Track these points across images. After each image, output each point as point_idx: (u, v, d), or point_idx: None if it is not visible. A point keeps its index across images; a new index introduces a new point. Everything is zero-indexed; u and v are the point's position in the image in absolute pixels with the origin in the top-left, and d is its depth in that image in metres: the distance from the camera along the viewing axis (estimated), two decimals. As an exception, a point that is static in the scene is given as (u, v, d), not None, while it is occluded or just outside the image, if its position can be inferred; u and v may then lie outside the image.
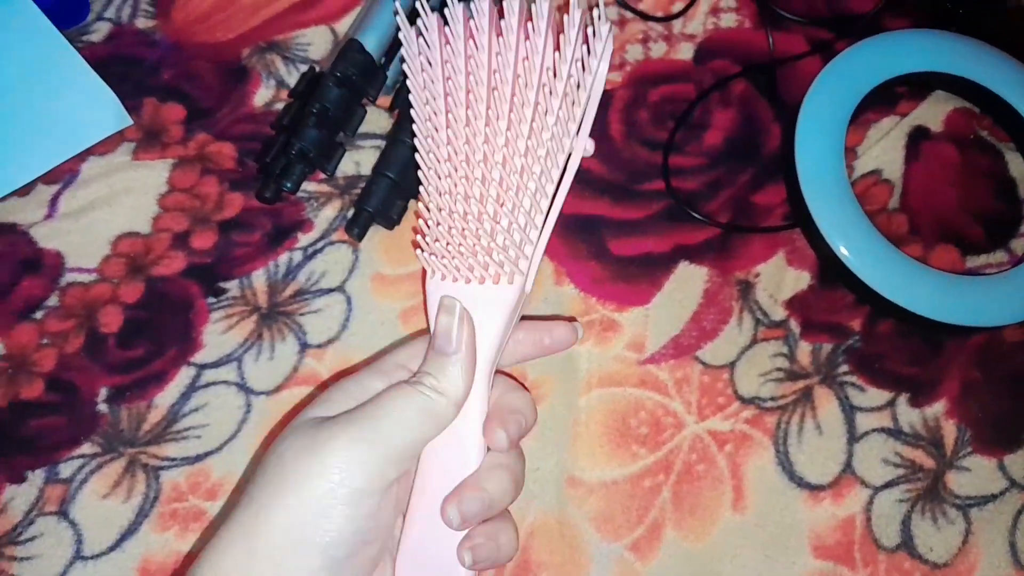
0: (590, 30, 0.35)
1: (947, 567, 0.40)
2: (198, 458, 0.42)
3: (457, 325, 0.33)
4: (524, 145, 0.34)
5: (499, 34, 0.36)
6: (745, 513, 0.41)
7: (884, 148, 0.48)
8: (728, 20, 0.51)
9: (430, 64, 0.37)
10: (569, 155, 0.36)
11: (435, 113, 0.36)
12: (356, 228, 0.44)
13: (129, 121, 0.47)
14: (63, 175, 0.46)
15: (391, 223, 0.45)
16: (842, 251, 0.43)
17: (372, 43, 0.44)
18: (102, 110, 0.47)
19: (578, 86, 0.35)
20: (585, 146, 0.37)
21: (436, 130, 0.36)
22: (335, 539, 0.29)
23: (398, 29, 0.45)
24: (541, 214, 0.35)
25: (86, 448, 0.42)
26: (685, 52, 0.50)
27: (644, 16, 0.50)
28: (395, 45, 0.46)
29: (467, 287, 0.35)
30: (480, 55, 0.36)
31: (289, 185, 0.43)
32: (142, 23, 0.50)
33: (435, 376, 0.32)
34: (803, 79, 0.48)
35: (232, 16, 0.51)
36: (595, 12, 0.35)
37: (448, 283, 0.35)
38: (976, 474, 0.42)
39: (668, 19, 0.50)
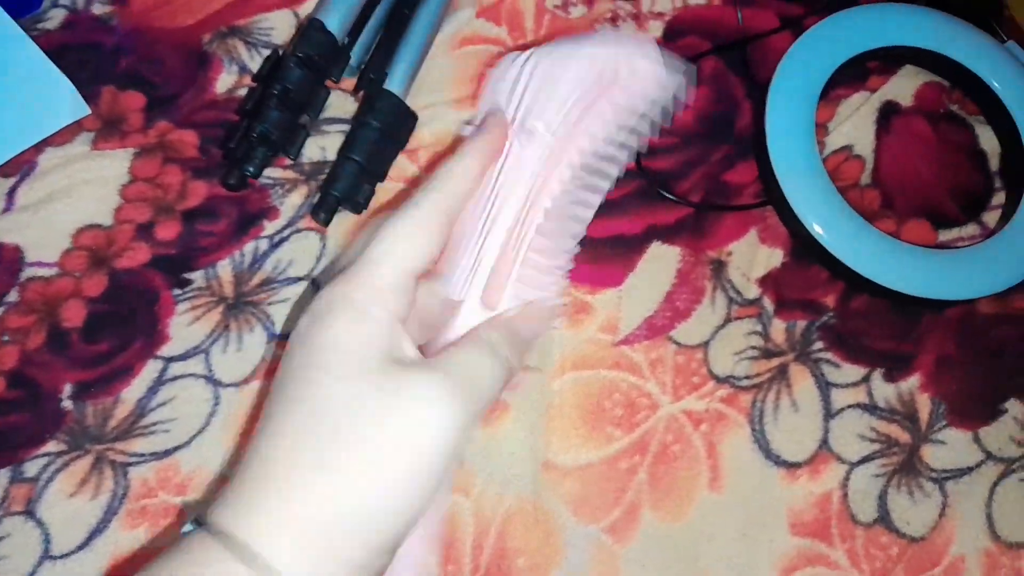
0: None
1: (924, 540, 0.40)
2: (167, 453, 0.41)
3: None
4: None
5: None
6: (722, 492, 0.41)
7: (855, 123, 0.48)
8: (697, -3, 0.50)
9: None
10: None
11: None
12: (322, 213, 0.43)
13: (87, 110, 0.46)
14: (20, 167, 0.45)
15: (358, 207, 0.44)
16: (815, 228, 0.43)
17: (335, 23, 0.43)
18: (58, 100, 0.45)
19: None
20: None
21: None
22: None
23: (363, 8, 0.45)
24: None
25: (51, 446, 0.41)
26: (654, 30, 0.49)
27: (612, -6, 0.50)
28: (359, 25, 0.45)
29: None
30: None
31: (251, 169, 0.42)
32: (99, 9, 0.49)
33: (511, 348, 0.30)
34: (774, 55, 0.47)
35: (192, 0, 0.50)
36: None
37: None
38: (952, 447, 0.42)
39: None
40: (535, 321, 0.32)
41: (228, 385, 0.42)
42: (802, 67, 0.46)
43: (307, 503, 0.25)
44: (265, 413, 0.27)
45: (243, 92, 0.47)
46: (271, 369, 0.42)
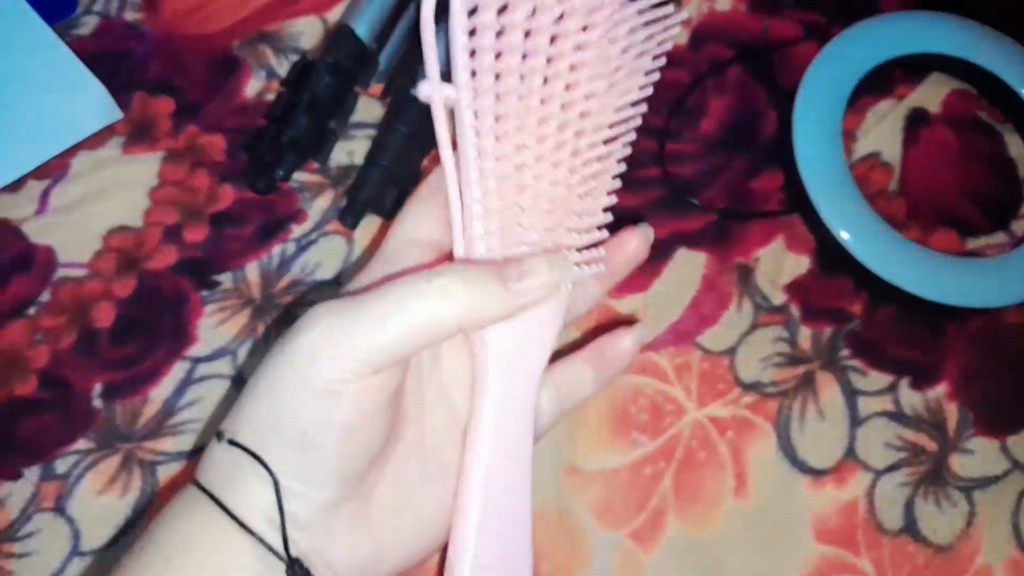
0: None
1: (951, 549, 0.40)
2: (194, 452, 0.41)
3: (541, 281, 0.28)
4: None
5: None
6: (748, 499, 0.41)
7: (882, 131, 0.47)
8: (723, 4, 0.50)
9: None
10: None
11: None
12: (350, 217, 0.44)
13: (119, 115, 0.46)
14: (53, 170, 0.46)
15: (385, 212, 0.45)
16: (842, 235, 0.43)
17: (363, 29, 0.44)
18: (92, 104, 0.46)
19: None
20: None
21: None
22: (309, 428, 0.26)
23: (392, 14, 0.45)
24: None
25: (81, 444, 0.41)
26: (679, 37, 0.49)
27: (638, 1, 0.50)
28: (387, 31, 0.45)
29: None
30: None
31: (281, 173, 0.43)
32: (131, 16, 0.50)
33: (452, 286, 0.27)
34: (799, 63, 0.47)
35: (222, 8, 0.51)
36: None
37: None
38: (979, 456, 0.42)
39: (663, 4, 0.50)
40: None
41: (255, 387, 0.42)
42: (829, 74, 0.46)
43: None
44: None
45: (271, 97, 0.48)
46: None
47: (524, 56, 0.27)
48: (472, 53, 0.26)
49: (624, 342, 0.32)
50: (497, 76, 0.27)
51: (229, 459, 0.27)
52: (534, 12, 0.26)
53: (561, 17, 0.27)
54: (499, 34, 0.26)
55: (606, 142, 0.30)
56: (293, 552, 0.26)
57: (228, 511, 0.26)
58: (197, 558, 0.26)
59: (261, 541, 0.26)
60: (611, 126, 0.30)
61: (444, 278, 0.27)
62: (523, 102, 0.27)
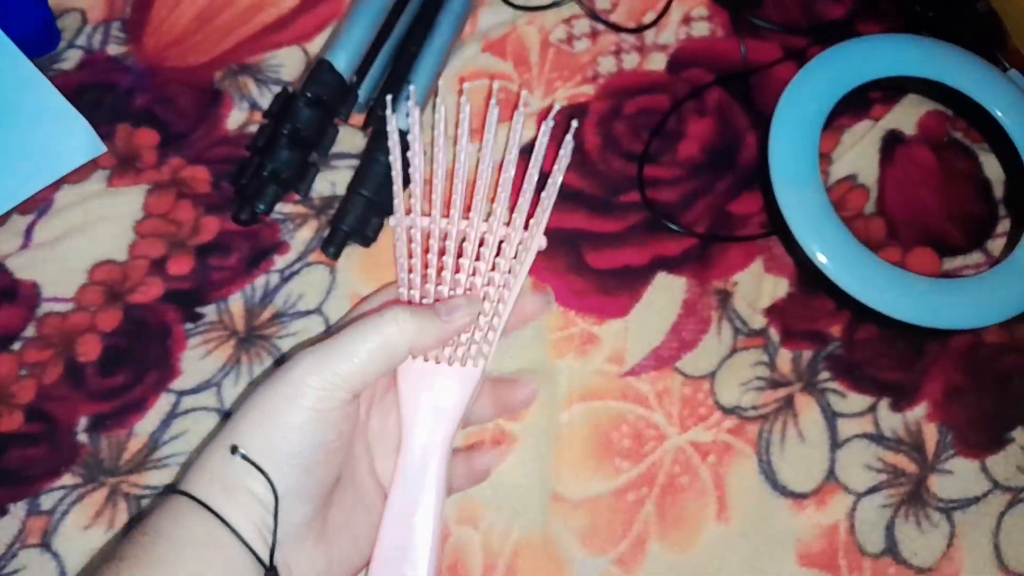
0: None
1: (932, 571, 0.40)
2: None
3: (463, 314, 0.36)
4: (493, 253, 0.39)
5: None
6: (730, 523, 0.41)
7: (859, 153, 0.48)
8: (701, 29, 0.51)
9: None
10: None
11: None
12: (332, 247, 0.44)
13: (103, 149, 0.47)
14: (37, 204, 0.46)
15: (367, 241, 0.45)
16: (819, 258, 0.43)
17: (343, 62, 0.44)
18: (75, 138, 0.46)
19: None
20: (541, 244, 0.40)
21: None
22: (299, 449, 0.32)
23: (371, 47, 0.46)
24: (505, 309, 0.38)
25: (67, 479, 0.42)
26: (658, 63, 0.50)
27: (616, 28, 0.50)
28: (366, 63, 0.46)
29: (436, 365, 0.38)
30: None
31: (262, 207, 0.43)
32: (114, 50, 0.50)
33: (402, 317, 0.34)
34: (778, 86, 0.48)
35: (204, 40, 0.51)
36: (556, 120, 0.39)
37: (419, 361, 0.37)
38: (959, 477, 0.42)
39: (640, 30, 0.50)
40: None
41: (240, 418, 0.43)
42: (805, 97, 0.46)
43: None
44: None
45: (254, 128, 0.48)
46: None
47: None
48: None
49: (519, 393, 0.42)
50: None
51: (225, 473, 0.32)
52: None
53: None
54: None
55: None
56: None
57: (224, 521, 0.31)
58: (188, 562, 0.30)
59: (250, 550, 0.31)
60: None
61: (396, 313, 0.34)
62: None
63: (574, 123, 0.39)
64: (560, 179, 0.39)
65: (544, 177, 0.39)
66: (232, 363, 0.44)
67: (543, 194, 0.39)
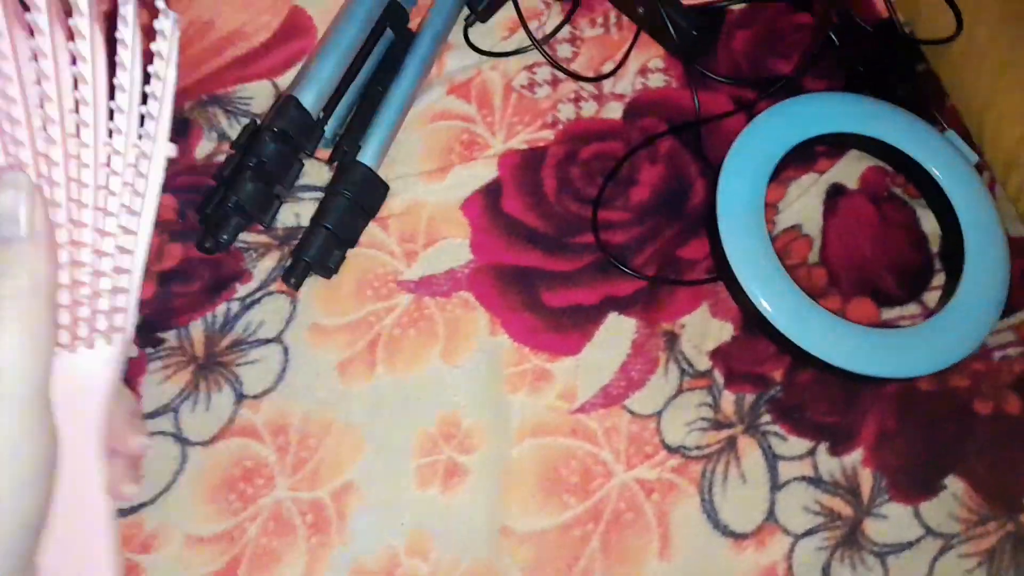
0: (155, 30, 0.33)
1: (865, 611, 0.42)
2: (132, 510, 0.42)
3: (27, 201, 0.28)
4: (93, 176, 0.32)
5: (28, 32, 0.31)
6: (672, 561, 0.42)
7: (804, 204, 0.50)
8: (656, 80, 0.53)
9: None
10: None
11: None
12: (293, 277, 0.45)
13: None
14: None
15: (329, 272, 0.46)
16: (763, 304, 0.45)
17: (310, 99, 0.45)
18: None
19: (145, 96, 0.33)
20: (167, 152, 0.34)
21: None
22: None
23: (339, 85, 0.47)
24: (131, 255, 0.32)
25: (14, 502, 0.41)
26: (615, 111, 0.52)
27: (576, 76, 0.52)
28: (334, 100, 0.47)
29: (57, 357, 0.30)
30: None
31: (225, 237, 0.44)
32: (84, 76, 0.51)
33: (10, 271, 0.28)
34: (727, 136, 0.50)
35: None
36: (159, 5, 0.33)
37: None
38: (892, 521, 0.43)
39: (599, 79, 0.53)
40: None
41: (195, 444, 0.43)
42: (753, 149, 0.49)
43: None
44: None
45: (221, 158, 0.49)
46: (236, 430, 0.43)
47: None
48: None
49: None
50: None
51: None
52: None
53: None
54: None
55: None
56: None
57: None
58: None
59: None
60: None
61: None
62: None
63: (172, 14, 0.34)
64: (171, 74, 0.33)
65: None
66: (190, 389, 0.44)
67: (153, 99, 0.33)
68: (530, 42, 0.52)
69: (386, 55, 0.50)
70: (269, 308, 0.46)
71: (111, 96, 0.33)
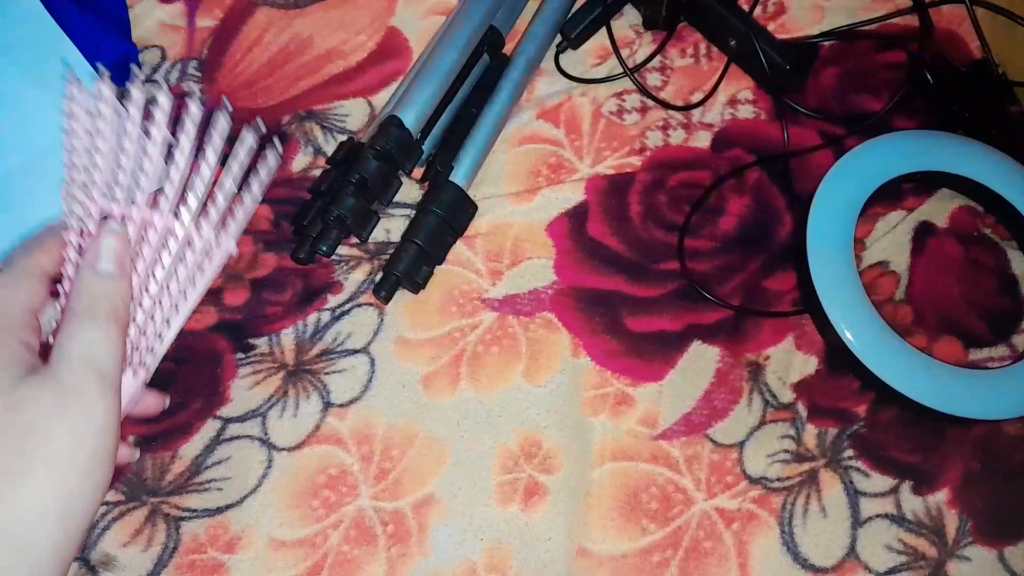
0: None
1: (946, 656, 0.41)
2: (218, 510, 0.43)
3: (121, 247, 0.34)
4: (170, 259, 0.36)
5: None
6: (750, 592, 0.42)
7: (891, 240, 0.50)
8: (745, 112, 0.53)
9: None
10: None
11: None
12: (383, 291, 0.46)
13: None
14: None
15: (417, 287, 0.47)
16: (848, 338, 0.45)
17: (411, 119, 0.47)
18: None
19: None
20: (230, 250, 0.37)
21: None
22: None
23: (437, 107, 0.48)
24: (177, 317, 0.37)
25: (110, 495, 0.43)
26: (703, 140, 0.52)
27: (665, 105, 0.53)
28: (432, 121, 0.48)
29: None
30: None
31: (324, 248, 0.45)
32: (187, 87, 0.53)
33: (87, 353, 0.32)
34: (814, 171, 0.50)
35: (275, 84, 0.54)
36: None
37: None
38: (976, 564, 0.43)
39: (688, 108, 0.53)
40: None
41: (282, 449, 0.44)
42: (844, 184, 0.49)
43: None
44: None
45: (316, 172, 0.50)
46: (322, 437, 0.44)
47: None
48: None
49: None
50: None
51: None
52: None
53: None
54: None
55: None
56: None
57: None
58: None
59: None
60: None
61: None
62: None
63: (276, 140, 0.38)
64: (258, 191, 0.37)
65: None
66: (279, 395, 0.45)
67: (238, 203, 0.37)
68: (620, 70, 0.53)
69: (481, 78, 0.52)
70: (358, 320, 0.47)
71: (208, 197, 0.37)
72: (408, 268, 0.46)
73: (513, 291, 0.48)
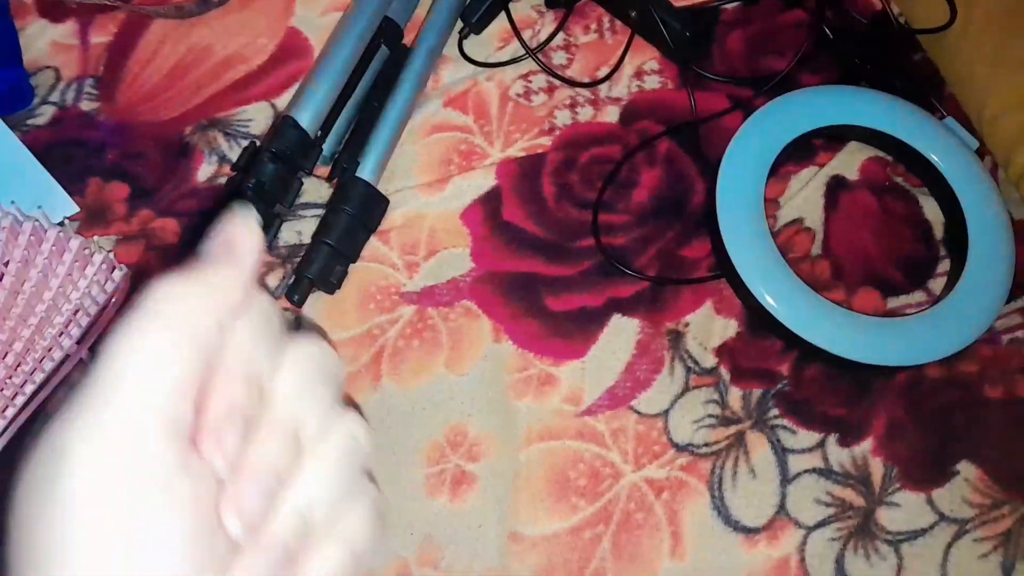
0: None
1: (882, 603, 0.41)
2: None
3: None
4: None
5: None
6: (684, 560, 0.42)
7: (805, 197, 0.50)
8: (652, 82, 0.53)
9: None
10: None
11: None
12: (296, 294, 0.45)
13: (75, 208, 0.48)
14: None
15: (332, 288, 0.46)
16: (767, 300, 0.45)
17: (307, 118, 0.46)
18: (47, 199, 0.47)
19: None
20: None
21: None
22: None
23: (335, 103, 0.48)
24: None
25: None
26: (611, 115, 0.52)
27: (571, 83, 0.53)
28: (331, 118, 0.48)
29: None
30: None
31: (229, 258, 0.44)
32: (86, 106, 0.52)
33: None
34: (725, 135, 0.50)
35: (175, 95, 0.53)
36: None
37: None
38: (905, 510, 0.43)
39: (594, 84, 0.53)
40: None
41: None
42: (751, 145, 0.49)
43: None
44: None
45: (223, 181, 0.50)
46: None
47: None
48: None
49: None
50: None
51: None
52: None
53: None
54: None
55: None
56: None
57: None
58: None
59: None
60: None
61: None
62: None
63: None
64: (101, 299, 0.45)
65: None
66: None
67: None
68: (524, 51, 0.53)
69: (382, 71, 0.51)
70: (275, 325, 0.46)
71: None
72: (321, 269, 0.46)
73: (431, 282, 0.48)
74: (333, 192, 0.49)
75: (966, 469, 0.44)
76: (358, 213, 0.47)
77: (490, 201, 0.50)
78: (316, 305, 0.47)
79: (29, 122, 0.51)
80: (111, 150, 0.51)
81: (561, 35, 0.54)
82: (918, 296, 0.48)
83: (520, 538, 0.42)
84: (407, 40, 0.53)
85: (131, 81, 0.53)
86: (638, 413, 0.45)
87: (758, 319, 0.46)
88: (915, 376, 0.46)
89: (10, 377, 0.41)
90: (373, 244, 0.48)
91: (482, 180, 0.50)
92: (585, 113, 0.52)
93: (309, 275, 0.45)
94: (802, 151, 0.51)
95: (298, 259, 0.47)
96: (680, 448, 0.44)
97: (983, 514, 0.43)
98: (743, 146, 0.49)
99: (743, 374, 0.46)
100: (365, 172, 0.48)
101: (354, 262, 0.48)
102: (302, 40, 0.54)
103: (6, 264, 0.42)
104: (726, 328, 0.47)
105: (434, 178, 0.50)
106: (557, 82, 0.53)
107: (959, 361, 0.46)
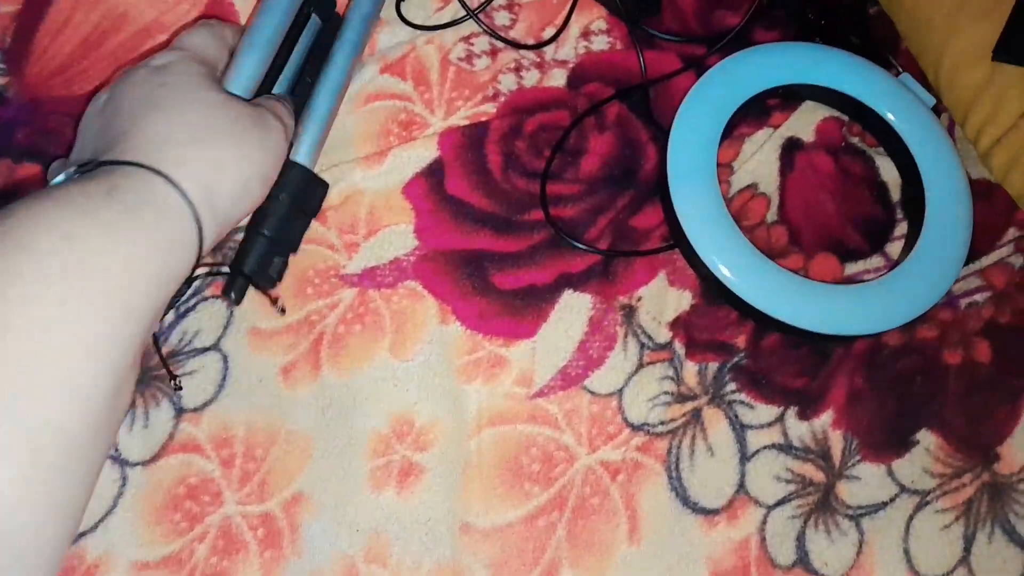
0: None
1: (843, 579, 0.41)
2: (72, 540, 0.40)
3: None
4: None
5: None
6: (641, 544, 0.41)
7: (759, 161, 0.48)
8: (600, 43, 0.51)
9: None
10: None
11: None
12: (232, 292, 0.42)
13: (-20, 189, 0.45)
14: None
15: (271, 282, 0.43)
16: (720, 270, 0.43)
17: (238, 91, 0.43)
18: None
19: None
20: None
21: None
22: None
23: (263, 80, 0.44)
24: None
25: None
26: (558, 79, 0.49)
27: (515, 45, 0.50)
28: (262, 92, 0.44)
29: None
30: None
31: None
32: (-9, 86, 0.48)
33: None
34: (677, 97, 0.48)
35: (90, 67, 0.49)
36: None
37: None
38: (866, 482, 0.42)
39: (539, 46, 0.50)
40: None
41: (135, 464, 0.41)
42: (703, 108, 0.47)
43: (202, 165, 0.35)
44: (138, 109, 0.37)
45: (144, 160, 0.46)
46: (177, 446, 0.41)
47: None
48: None
49: None
50: None
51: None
52: None
53: None
54: None
55: None
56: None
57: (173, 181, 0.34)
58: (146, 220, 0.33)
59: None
60: None
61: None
62: None
63: None
64: None
65: None
66: (124, 407, 0.42)
67: None
68: (465, 12, 0.50)
69: (313, 43, 0.48)
70: (205, 314, 0.44)
71: None
72: (257, 263, 0.42)
73: (372, 263, 0.45)
74: (264, 171, 0.45)
75: (926, 438, 0.43)
76: (295, 200, 0.43)
77: (433, 174, 0.47)
78: (250, 292, 0.44)
79: (-73, 101, 0.47)
80: (22, 128, 0.47)
81: (503, -6, 0.51)
82: (876, 261, 0.47)
83: (472, 529, 0.40)
84: (340, 8, 0.50)
85: (40, 53, 0.49)
86: (591, 393, 0.43)
87: (712, 290, 0.45)
88: (873, 344, 0.45)
89: None
90: (312, 226, 0.46)
91: (424, 151, 0.47)
92: (531, 77, 0.50)
93: (245, 270, 0.42)
94: (757, 112, 0.49)
95: (231, 245, 0.44)
96: (635, 428, 0.42)
97: (944, 483, 0.42)
98: (694, 109, 0.47)
99: (698, 347, 0.44)
100: (300, 155, 0.44)
101: (295, 252, 0.44)
102: (227, 6, 0.51)
103: None
104: (680, 300, 0.45)
105: (372, 151, 0.47)
106: (500, 44, 0.50)
107: (918, 327, 0.45)
